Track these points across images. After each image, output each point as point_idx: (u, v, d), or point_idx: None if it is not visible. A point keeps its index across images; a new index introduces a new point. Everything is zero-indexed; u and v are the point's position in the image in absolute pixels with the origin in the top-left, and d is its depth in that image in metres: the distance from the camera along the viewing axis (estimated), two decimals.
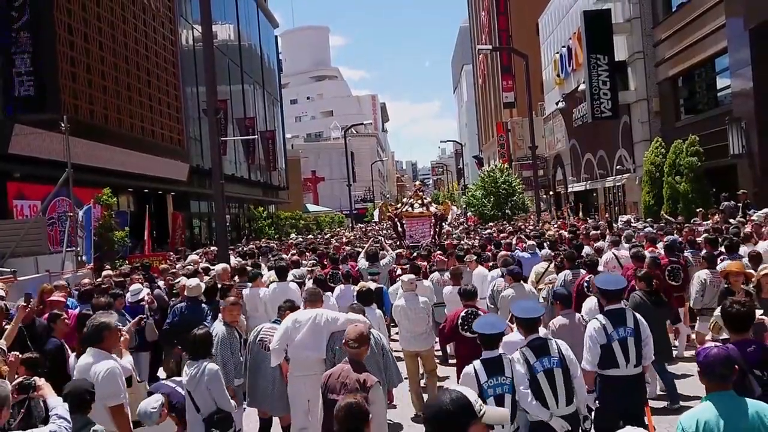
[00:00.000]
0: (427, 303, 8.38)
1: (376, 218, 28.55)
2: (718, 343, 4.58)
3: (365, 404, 3.83)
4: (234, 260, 14.95)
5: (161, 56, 30.06)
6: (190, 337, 5.55)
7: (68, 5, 21.52)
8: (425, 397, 7.98)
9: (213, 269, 12.26)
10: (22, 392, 4.43)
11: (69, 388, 4.47)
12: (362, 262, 12.13)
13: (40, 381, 4.49)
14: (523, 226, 23.74)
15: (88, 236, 16.31)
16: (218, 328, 6.75)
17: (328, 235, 29.62)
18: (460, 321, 7.14)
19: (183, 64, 32.97)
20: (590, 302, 7.69)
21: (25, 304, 6.97)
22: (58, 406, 4.20)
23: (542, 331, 5.52)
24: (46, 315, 7.30)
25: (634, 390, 5.73)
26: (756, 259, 8.82)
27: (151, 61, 28.90)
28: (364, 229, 38.24)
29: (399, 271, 11.74)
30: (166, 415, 5.25)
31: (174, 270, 13.37)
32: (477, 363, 5.06)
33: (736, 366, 3.77)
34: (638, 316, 5.84)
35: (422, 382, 8.27)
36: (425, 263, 12.19)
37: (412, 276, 8.66)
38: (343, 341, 5.10)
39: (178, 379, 5.65)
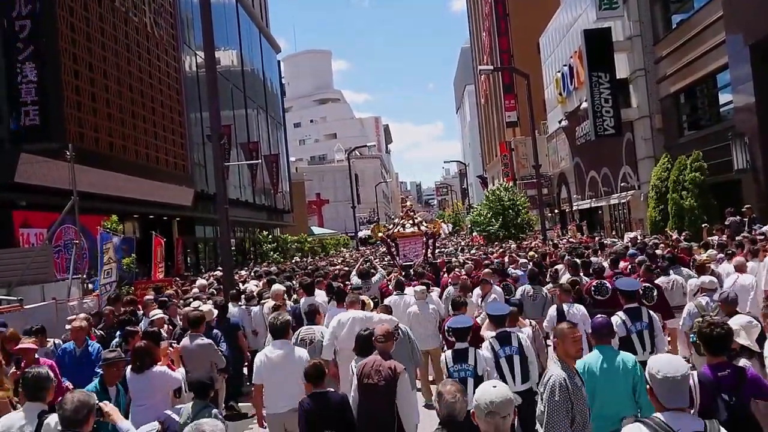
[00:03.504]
0: (436, 309, 9.95)
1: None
2: (604, 315, 5.98)
3: (324, 366, 5.68)
4: (252, 282, 15.71)
5: (165, 83, 30.29)
6: (358, 338, 6.54)
7: (73, 35, 21.73)
8: (433, 389, 8.96)
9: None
10: None
11: (193, 380, 5.63)
12: (355, 280, 13.36)
13: (108, 407, 4.52)
14: (527, 246, 23.72)
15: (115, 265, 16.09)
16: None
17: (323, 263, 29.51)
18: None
19: (186, 90, 33.19)
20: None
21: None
22: (129, 429, 4.50)
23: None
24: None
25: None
26: (701, 268, 9.68)
27: (155, 88, 29.11)
28: (360, 253, 38.26)
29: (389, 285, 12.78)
30: None
31: (189, 294, 13.53)
32: (448, 352, 6.35)
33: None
34: (652, 313, 7.18)
35: (430, 377, 9.95)
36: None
37: (423, 288, 10.30)
38: (373, 338, 6.16)
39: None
